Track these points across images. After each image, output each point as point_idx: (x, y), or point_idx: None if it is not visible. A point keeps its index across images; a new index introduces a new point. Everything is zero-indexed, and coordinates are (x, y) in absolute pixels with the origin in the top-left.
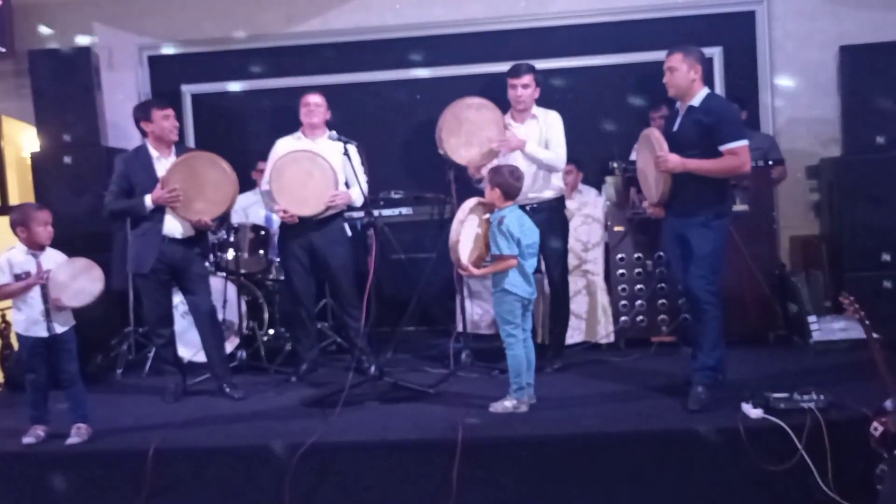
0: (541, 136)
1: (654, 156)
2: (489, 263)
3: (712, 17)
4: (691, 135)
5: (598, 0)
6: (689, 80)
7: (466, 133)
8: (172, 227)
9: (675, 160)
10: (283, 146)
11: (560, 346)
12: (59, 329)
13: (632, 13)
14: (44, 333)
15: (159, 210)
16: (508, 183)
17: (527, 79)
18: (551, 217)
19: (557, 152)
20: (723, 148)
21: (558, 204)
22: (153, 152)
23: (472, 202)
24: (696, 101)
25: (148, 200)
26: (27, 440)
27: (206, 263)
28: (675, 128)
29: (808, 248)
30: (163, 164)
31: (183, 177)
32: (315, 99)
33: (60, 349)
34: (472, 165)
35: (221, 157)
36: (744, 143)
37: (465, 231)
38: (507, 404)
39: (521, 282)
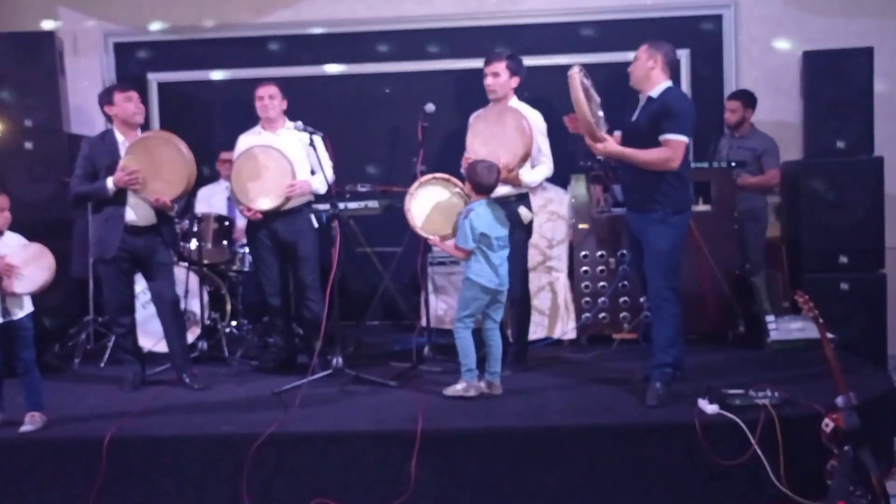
0: None
1: (584, 124)
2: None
3: (681, 19)
4: (646, 125)
5: (568, 0)
6: (645, 69)
7: (498, 136)
8: (134, 214)
9: (600, 149)
10: (245, 142)
11: (523, 351)
12: (17, 315)
13: (602, 13)
14: None
15: (122, 194)
16: (480, 178)
17: (496, 66)
18: (509, 212)
19: (548, 164)
20: (661, 137)
21: (517, 200)
22: (119, 136)
23: (426, 178)
24: (654, 92)
25: (110, 183)
26: None
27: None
28: (634, 118)
29: (769, 249)
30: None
31: (139, 157)
32: (269, 91)
33: (16, 336)
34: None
35: (177, 137)
36: (681, 138)
37: (420, 202)
38: (458, 387)
39: (487, 272)
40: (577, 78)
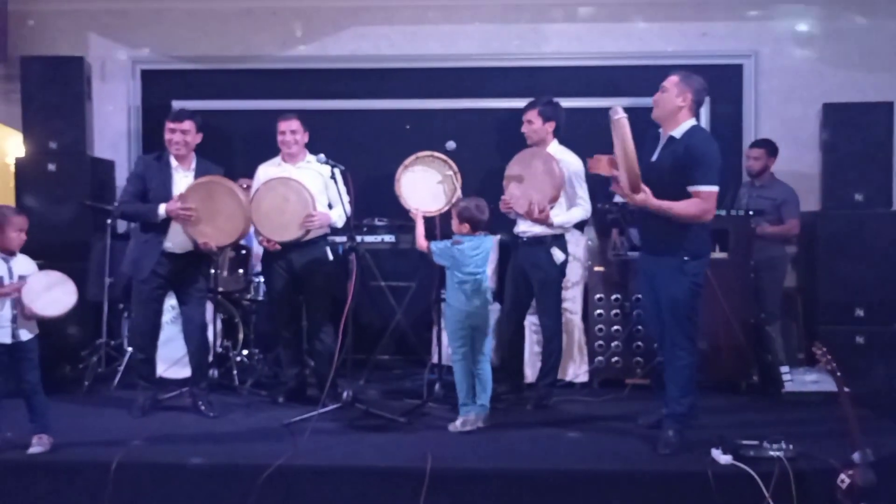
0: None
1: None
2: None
3: (701, 67)
4: (668, 168)
5: (590, 44)
6: (673, 104)
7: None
8: (170, 241)
9: (640, 198)
10: (265, 173)
11: (550, 385)
12: (24, 337)
13: (622, 59)
14: (7, 340)
15: (166, 221)
16: (475, 217)
17: (529, 115)
18: (544, 252)
19: (584, 206)
20: (690, 189)
21: (553, 240)
22: (173, 161)
23: (424, 154)
24: (677, 131)
25: (161, 209)
26: None
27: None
28: (654, 157)
29: (785, 299)
30: (180, 174)
31: (200, 198)
32: (290, 126)
33: (22, 357)
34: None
35: (242, 191)
36: (712, 188)
37: (410, 179)
38: (457, 423)
39: (458, 295)
40: (627, 124)
